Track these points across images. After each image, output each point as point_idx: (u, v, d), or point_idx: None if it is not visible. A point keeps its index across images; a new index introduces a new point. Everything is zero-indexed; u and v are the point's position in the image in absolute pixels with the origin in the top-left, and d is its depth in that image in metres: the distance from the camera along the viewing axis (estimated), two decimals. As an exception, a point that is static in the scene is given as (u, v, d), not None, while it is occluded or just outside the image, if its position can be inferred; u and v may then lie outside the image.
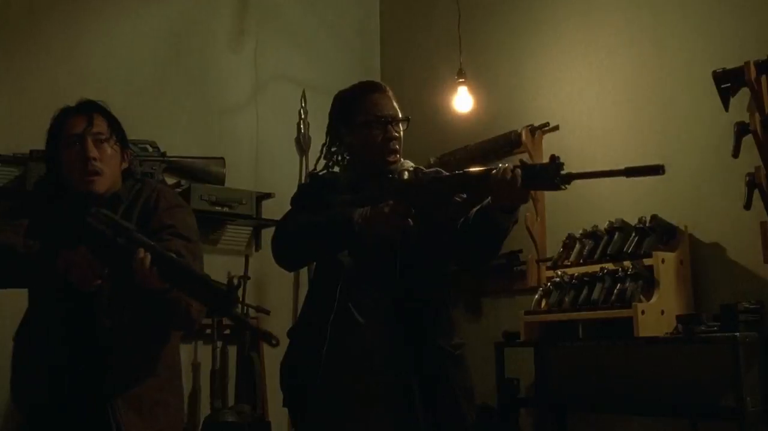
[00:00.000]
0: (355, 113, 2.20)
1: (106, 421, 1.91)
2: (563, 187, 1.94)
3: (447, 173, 2.20)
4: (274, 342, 1.69)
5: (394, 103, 2.22)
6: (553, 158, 1.94)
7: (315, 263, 2.30)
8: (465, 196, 2.04)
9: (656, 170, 1.90)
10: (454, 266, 2.30)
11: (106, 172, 2.07)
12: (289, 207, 2.29)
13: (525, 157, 3.92)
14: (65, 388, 1.94)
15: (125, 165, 2.16)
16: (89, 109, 2.11)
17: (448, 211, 2.07)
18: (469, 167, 2.08)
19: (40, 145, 3.44)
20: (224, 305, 1.69)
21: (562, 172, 1.93)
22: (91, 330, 1.96)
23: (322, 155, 2.29)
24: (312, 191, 2.25)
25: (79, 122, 2.07)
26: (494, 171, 1.95)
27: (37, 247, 1.91)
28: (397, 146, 2.19)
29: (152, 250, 1.76)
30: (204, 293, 1.71)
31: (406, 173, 2.22)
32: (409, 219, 1.98)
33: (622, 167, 1.95)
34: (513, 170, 1.94)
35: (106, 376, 1.94)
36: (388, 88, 2.25)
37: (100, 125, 2.09)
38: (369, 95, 2.21)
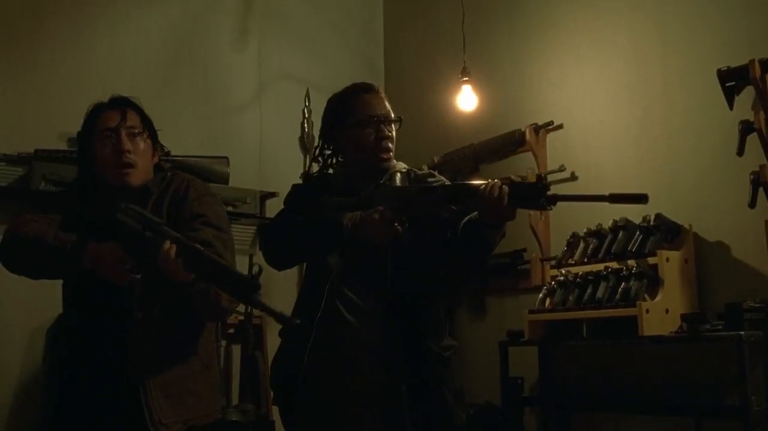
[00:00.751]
0: (348, 114, 2.24)
1: (137, 405, 1.91)
2: (549, 208, 2.02)
3: (438, 180, 2.25)
4: (296, 321, 1.78)
5: (386, 104, 2.25)
6: (539, 179, 2.01)
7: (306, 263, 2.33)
8: (453, 208, 2.09)
9: (640, 198, 1.95)
10: (442, 273, 2.32)
11: (139, 165, 2.10)
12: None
13: (529, 156, 3.93)
14: (97, 374, 1.95)
15: (156, 160, 2.20)
16: (122, 104, 2.16)
17: (436, 221, 2.12)
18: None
19: (45, 144, 3.54)
20: (247, 293, 1.73)
21: (548, 193, 2.00)
22: (122, 321, 1.97)
23: (314, 158, 2.35)
24: (305, 192, 2.29)
25: (113, 116, 2.11)
26: (482, 187, 2.00)
27: (68, 239, 1.94)
28: (390, 146, 2.22)
29: (178, 241, 1.78)
30: (228, 282, 1.75)
31: (398, 174, 2.24)
32: (398, 226, 2.02)
33: (606, 192, 2.00)
34: (500, 187, 1.98)
35: (138, 362, 1.95)
36: (380, 89, 2.28)
37: (133, 120, 2.14)
38: (361, 96, 2.25)
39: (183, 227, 2.02)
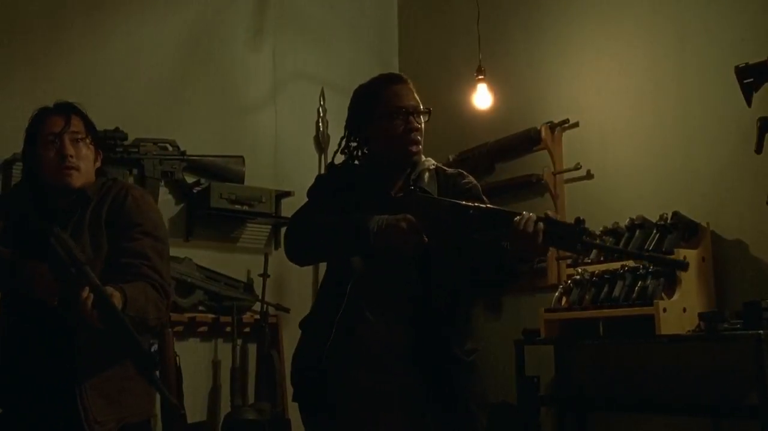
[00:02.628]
0: (376, 105, 2.17)
1: (73, 405, 1.98)
2: (582, 252, 1.92)
3: (469, 182, 2.20)
4: (182, 411, 1.80)
5: (415, 95, 2.20)
6: (578, 221, 1.91)
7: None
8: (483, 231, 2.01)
9: (681, 265, 1.86)
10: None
11: (82, 168, 2.17)
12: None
13: (545, 154, 3.91)
14: (33, 375, 2.02)
15: (98, 164, 2.27)
16: (66, 110, 2.22)
17: (463, 239, 2.05)
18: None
19: None
20: (145, 369, 1.76)
21: (585, 238, 1.91)
22: (58, 326, 2.02)
23: (340, 150, 2.27)
24: (329, 185, 2.24)
25: (57, 121, 2.18)
26: (517, 218, 1.92)
27: (6, 255, 2.03)
28: (419, 138, 2.16)
29: (96, 291, 1.82)
30: (130, 350, 1.78)
31: (427, 172, 2.20)
32: (425, 236, 1.96)
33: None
34: (536, 223, 1.90)
35: (74, 362, 2.01)
36: (408, 80, 2.22)
37: (77, 125, 2.20)
38: (390, 87, 2.19)
39: (120, 236, 2.11)
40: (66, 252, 1.88)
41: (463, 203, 2.01)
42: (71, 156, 2.15)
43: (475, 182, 2.27)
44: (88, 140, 2.21)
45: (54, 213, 2.15)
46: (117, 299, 1.88)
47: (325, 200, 2.19)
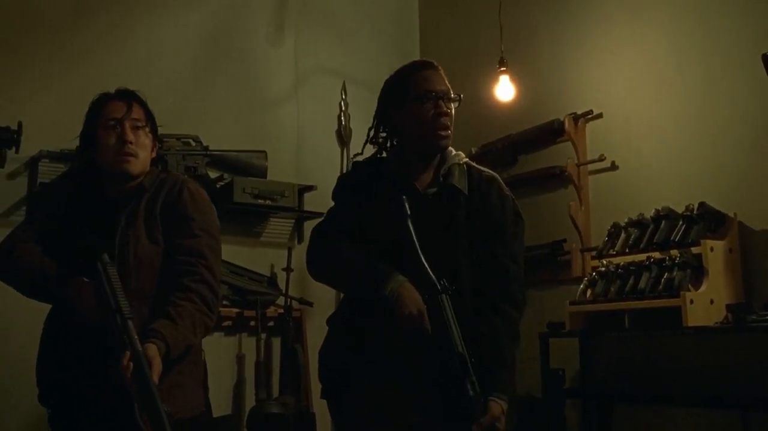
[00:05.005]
0: (406, 90, 2.16)
1: (127, 401, 1.95)
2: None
3: (497, 192, 2.18)
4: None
5: (446, 81, 2.18)
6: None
7: None
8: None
9: None
10: None
11: (140, 155, 2.18)
12: (331, 201, 2.27)
13: (568, 146, 3.88)
14: (85, 368, 2.01)
15: (154, 154, 2.27)
16: (129, 96, 2.23)
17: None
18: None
19: None
20: None
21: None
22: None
23: (369, 140, 2.26)
24: (351, 183, 2.23)
25: (119, 107, 2.18)
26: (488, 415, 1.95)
27: (53, 270, 2.05)
28: (448, 123, 2.14)
29: (137, 361, 1.84)
30: (154, 422, 1.81)
31: (457, 169, 2.18)
32: (428, 329, 1.96)
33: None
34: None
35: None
36: (439, 67, 2.21)
37: (138, 113, 2.21)
38: (421, 72, 2.18)
39: (176, 231, 2.13)
40: (112, 292, 1.91)
41: (461, 355, 1.94)
42: (131, 142, 2.15)
43: (509, 193, 2.22)
44: (147, 129, 2.22)
45: (109, 203, 2.16)
46: (157, 366, 1.88)
47: (348, 203, 2.18)
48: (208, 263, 2.12)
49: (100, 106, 2.21)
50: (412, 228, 1.99)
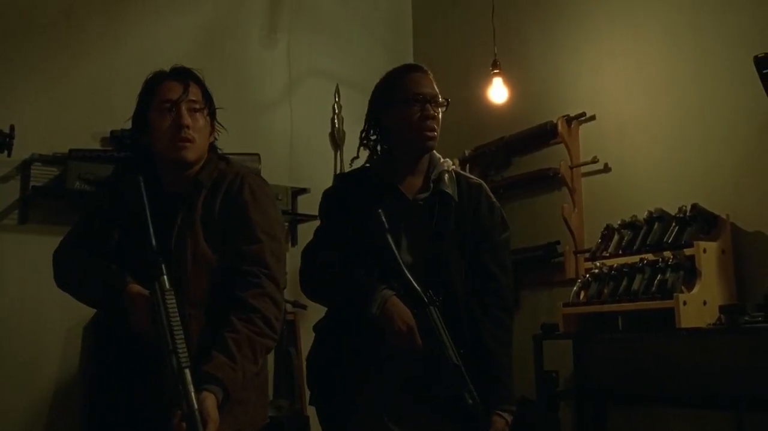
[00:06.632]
0: (394, 92, 2.18)
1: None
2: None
3: (485, 197, 2.22)
4: None
5: (435, 86, 2.20)
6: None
7: None
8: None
9: None
10: None
11: (197, 141, 1.99)
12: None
13: (561, 148, 3.89)
14: (140, 379, 1.87)
15: (212, 138, 2.10)
16: (185, 76, 2.04)
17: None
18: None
19: (79, 144, 3.58)
20: None
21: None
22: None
23: (361, 143, 2.28)
24: (337, 198, 2.24)
25: (175, 88, 1.99)
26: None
27: (111, 274, 1.88)
28: (434, 126, 2.16)
29: (190, 421, 1.65)
30: None
31: (447, 175, 2.19)
32: (420, 342, 1.98)
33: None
34: None
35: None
36: (428, 71, 2.23)
37: (195, 94, 2.02)
38: (409, 74, 2.20)
39: (238, 235, 1.96)
40: (170, 330, 1.71)
41: (456, 367, 1.98)
42: (188, 127, 1.95)
43: (495, 201, 2.27)
44: (205, 112, 2.02)
45: (168, 198, 1.98)
46: (214, 421, 1.69)
47: (335, 219, 2.19)
48: (271, 272, 1.95)
49: (153, 86, 2.01)
50: (391, 241, 2.02)
